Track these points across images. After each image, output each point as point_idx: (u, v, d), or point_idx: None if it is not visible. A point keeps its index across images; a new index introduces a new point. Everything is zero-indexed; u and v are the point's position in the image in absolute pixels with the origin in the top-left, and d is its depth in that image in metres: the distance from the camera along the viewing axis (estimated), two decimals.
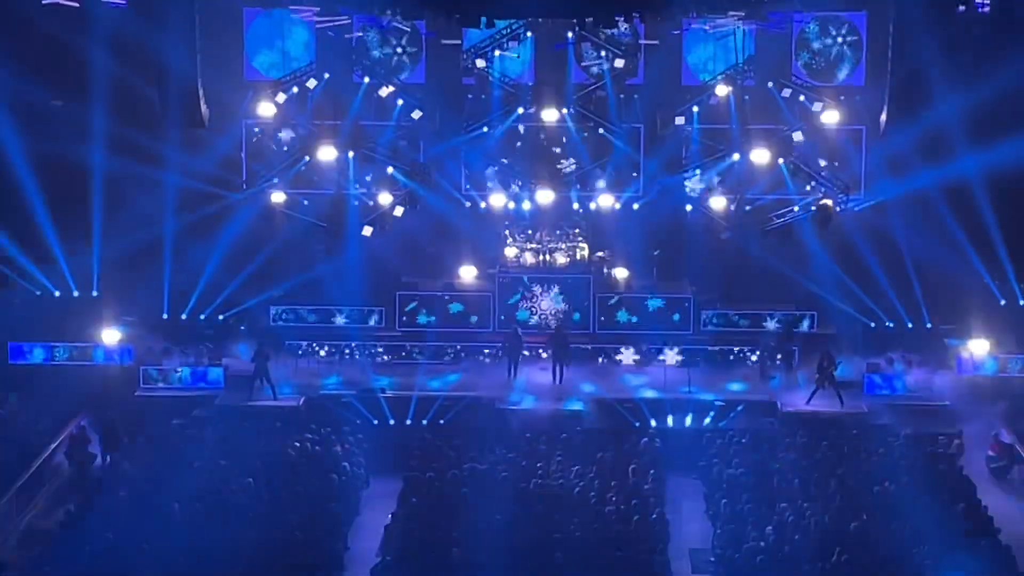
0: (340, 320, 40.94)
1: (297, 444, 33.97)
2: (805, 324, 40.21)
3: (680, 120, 40.96)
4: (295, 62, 41.86)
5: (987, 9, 39.07)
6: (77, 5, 39.19)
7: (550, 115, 40.87)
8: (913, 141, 39.18)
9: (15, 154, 38.94)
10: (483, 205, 42.24)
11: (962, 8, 39.00)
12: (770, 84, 41.04)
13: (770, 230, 40.37)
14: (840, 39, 41.57)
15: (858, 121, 41.24)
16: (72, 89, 39.57)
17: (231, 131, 41.57)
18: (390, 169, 40.97)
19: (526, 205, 41.74)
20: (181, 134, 40.00)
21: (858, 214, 40.87)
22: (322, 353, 40.01)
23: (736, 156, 40.50)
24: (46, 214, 39.54)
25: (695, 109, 41.00)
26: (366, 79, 41.33)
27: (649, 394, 37.57)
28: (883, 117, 39.20)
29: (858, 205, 40.94)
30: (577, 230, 41.95)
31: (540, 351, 39.73)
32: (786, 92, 40.87)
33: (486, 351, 40.12)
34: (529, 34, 41.31)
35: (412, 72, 42.15)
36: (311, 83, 41.23)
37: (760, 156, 40.05)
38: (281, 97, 40.94)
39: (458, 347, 40.22)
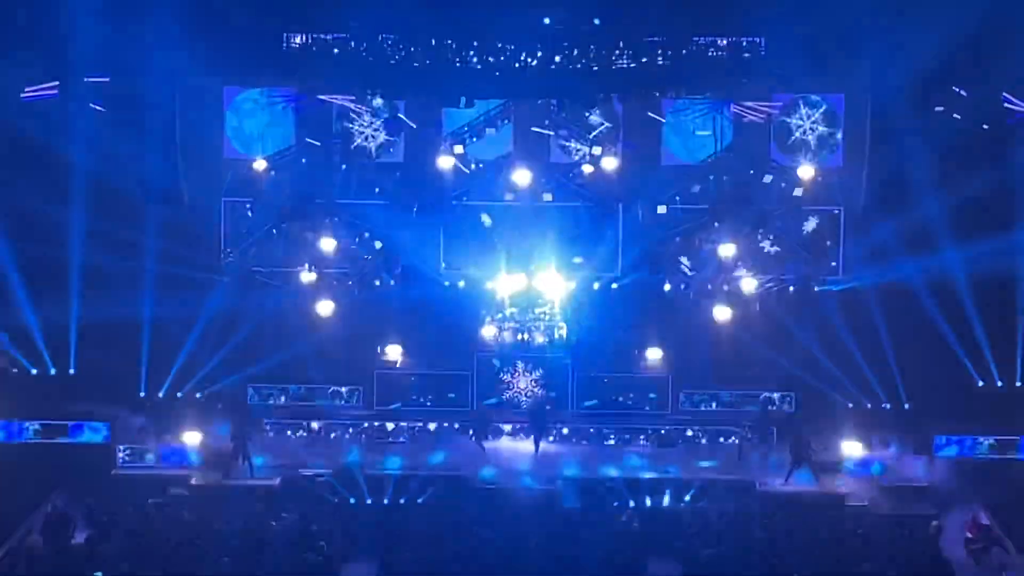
0: (318, 399, 40.89)
1: (274, 523, 33.80)
2: (783, 404, 40.32)
3: (662, 209, 41.10)
4: (275, 141, 42.04)
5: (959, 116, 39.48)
6: (57, 94, 39.29)
7: (528, 193, 41.05)
8: (891, 224, 39.58)
9: None
10: (461, 284, 42.23)
11: (939, 108, 39.29)
12: (751, 172, 41.29)
13: (749, 302, 40.66)
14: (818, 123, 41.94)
15: (836, 202, 41.45)
16: (49, 184, 39.36)
17: (211, 209, 41.59)
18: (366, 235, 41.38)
19: (503, 284, 41.72)
20: (160, 215, 40.05)
21: (836, 294, 41.10)
22: (300, 432, 39.83)
23: (716, 224, 40.84)
24: (21, 286, 39.46)
25: (677, 198, 41.31)
26: (343, 166, 41.53)
27: (628, 474, 37.49)
28: (861, 200, 39.58)
29: (836, 285, 41.18)
30: (556, 309, 41.92)
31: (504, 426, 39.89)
32: (767, 178, 41.08)
33: (463, 428, 40.05)
34: (507, 121, 41.56)
35: (390, 152, 42.29)
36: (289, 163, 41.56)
37: (738, 229, 40.45)
38: (260, 175, 41.11)
39: (436, 425, 40.14)
